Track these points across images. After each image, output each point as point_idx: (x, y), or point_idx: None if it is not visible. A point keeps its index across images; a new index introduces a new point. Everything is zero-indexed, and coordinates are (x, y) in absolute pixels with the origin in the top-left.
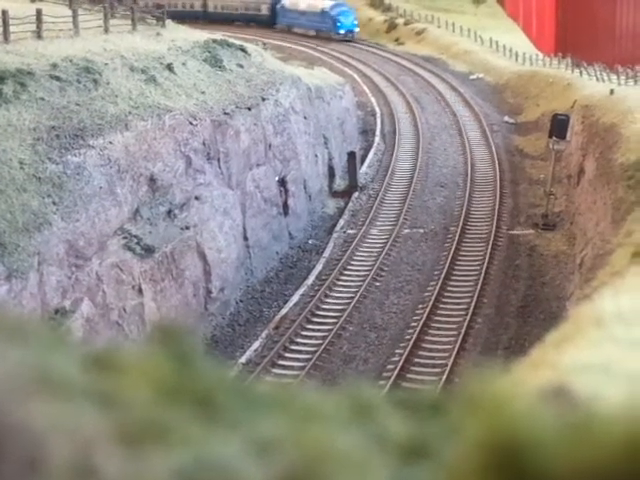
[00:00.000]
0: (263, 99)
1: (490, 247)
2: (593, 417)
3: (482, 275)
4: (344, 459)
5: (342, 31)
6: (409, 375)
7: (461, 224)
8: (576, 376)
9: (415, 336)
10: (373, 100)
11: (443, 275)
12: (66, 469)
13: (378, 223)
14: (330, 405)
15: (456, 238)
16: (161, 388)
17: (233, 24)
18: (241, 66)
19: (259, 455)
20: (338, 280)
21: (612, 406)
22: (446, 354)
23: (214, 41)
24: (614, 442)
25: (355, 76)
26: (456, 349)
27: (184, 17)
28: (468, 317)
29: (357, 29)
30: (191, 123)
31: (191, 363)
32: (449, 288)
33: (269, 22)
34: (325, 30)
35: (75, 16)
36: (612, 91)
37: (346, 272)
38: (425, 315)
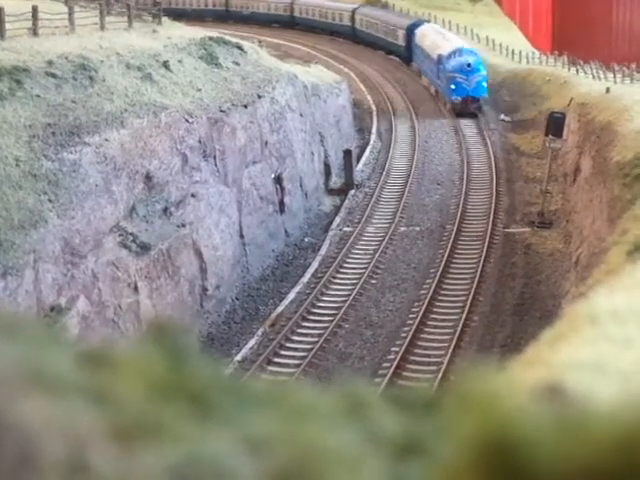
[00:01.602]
0: (259, 97)
1: (486, 245)
2: (587, 415)
3: (478, 273)
4: (337, 456)
5: (457, 98)
6: (405, 373)
7: (457, 222)
8: (570, 374)
9: (411, 334)
10: (369, 98)
11: (439, 273)
12: (59, 466)
13: (374, 221)
14: (324, 403)
15: (452, 236)
16: (155, 385)
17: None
18: (237, 63)
19: (252, 452)
20: (334, 278)
21: (606, 404)
22: (442, 352)
23: (210, 38)
24: (607, 440)
25: (352, 74)
26: (452, 347)
27: (334, 32)
28: (464, 315)
29: (485, 94)
30: (187, 121)
31: (185, 360)
32: (445, 286)
33: (405, 56)
34: (441, 90)
35: (71, 13)
36: (608, 89)
37: (342, 270)
38: (421, 313)
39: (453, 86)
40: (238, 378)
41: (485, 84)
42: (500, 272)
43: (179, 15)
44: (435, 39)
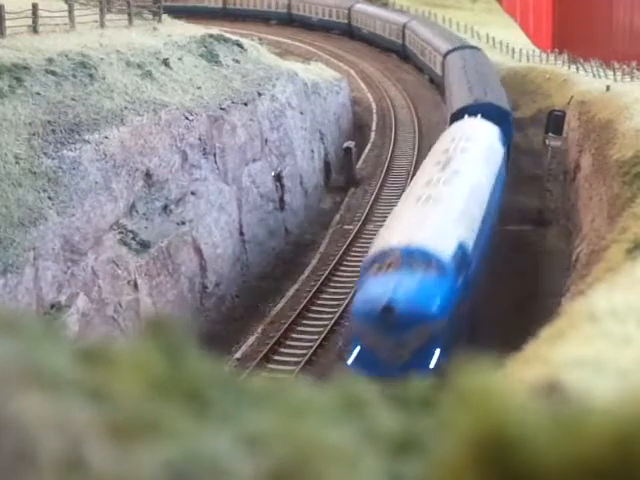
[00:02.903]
0: (259, 94)
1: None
2: (583, 412)
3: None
4: (335, 454)
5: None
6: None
7: None
8: (569, 371)
9: None
10: (370, 96)
11: None
12: (57, 462)
13: (374, 218)
14: (322, 400)
15: None
16: (153, 382)
17: None
18: (237, 61)
19: (250, 450)
20: (334, 275)
21: (603, 401)
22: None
23: (210, 36)
24: (604, 436)
25: (352, 72)
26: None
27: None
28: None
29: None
30: (187, 118)
31: (183, 358)
32: None
33: None
34: None
35: (71, 10)
36: (608, 87)
37: (342, 267)
38: None
39: (356, 351)
40: (237, 375)
41: (434, 357)
42: (499, 269)
43: (305, 24)
44: (425, 176)
